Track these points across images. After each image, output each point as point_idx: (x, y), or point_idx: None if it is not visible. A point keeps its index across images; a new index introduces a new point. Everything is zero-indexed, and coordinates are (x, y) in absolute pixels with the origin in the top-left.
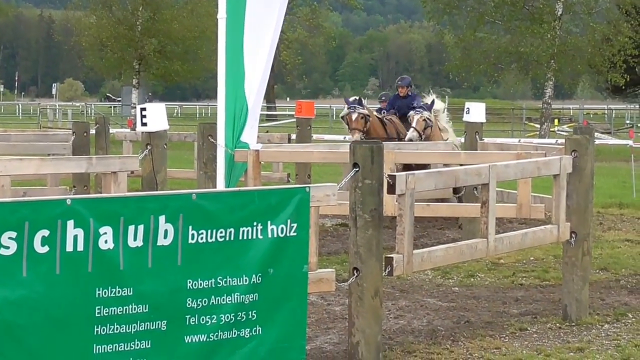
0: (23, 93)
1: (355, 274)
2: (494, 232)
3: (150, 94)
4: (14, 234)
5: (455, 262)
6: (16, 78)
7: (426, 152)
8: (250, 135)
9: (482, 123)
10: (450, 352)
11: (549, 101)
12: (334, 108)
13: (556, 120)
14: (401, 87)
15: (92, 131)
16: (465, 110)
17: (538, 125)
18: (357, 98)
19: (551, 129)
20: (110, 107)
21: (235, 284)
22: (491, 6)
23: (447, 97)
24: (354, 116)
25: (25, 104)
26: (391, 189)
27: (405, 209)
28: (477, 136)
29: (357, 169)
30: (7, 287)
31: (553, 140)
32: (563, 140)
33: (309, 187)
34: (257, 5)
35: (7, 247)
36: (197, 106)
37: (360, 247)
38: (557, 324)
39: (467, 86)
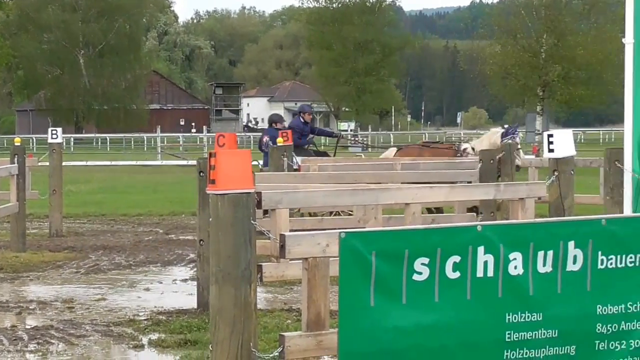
0: (429, 122)
1: None
2: None
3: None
4: (426, 260)
5: None
6: (422, 108)
7: None
8: None
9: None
10: None
11: None
12: None
13: None
14: None
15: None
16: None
17: None
18: None
19: None
20: None
21: None
22: None
23: None
24: None
25: (431, 133)
26: None
27: None
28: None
29: None
30: (420, 312)
31: None
32: None
33: None
34: None
35: (420, 273)
36: (601, 131)
37: None
38: None
39: None
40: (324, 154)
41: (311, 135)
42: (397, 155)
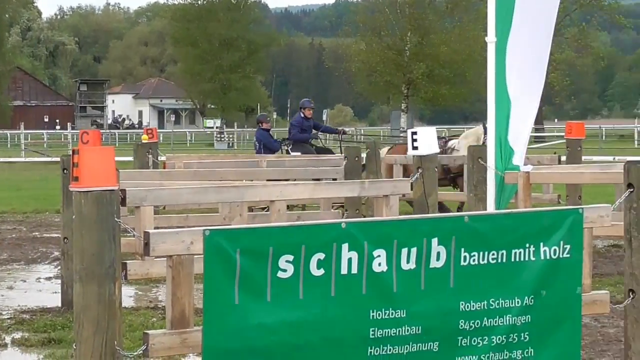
0: None
1: (631, 296)
2: None
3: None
4: (291, 257)
5: None
6: (288, 105)
7: None
8: (520, 157)
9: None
10: None
11: None
12: (603, 128)
13: None
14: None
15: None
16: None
17: None
18: None
19: None
20: (379, 131)
21: (508, 305)
22: None
23: None
24: None
25: None
26: None
27: None
28: None
29: (632, 190)
30: (285, 309)
31: None
32: None
33: (582, 208)
34: (522, 28)
35: (285, 270)
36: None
37: (635, 269)
38: None
39: None
40: (328, 150)
41: (314, 131)
42: (388, 153)
